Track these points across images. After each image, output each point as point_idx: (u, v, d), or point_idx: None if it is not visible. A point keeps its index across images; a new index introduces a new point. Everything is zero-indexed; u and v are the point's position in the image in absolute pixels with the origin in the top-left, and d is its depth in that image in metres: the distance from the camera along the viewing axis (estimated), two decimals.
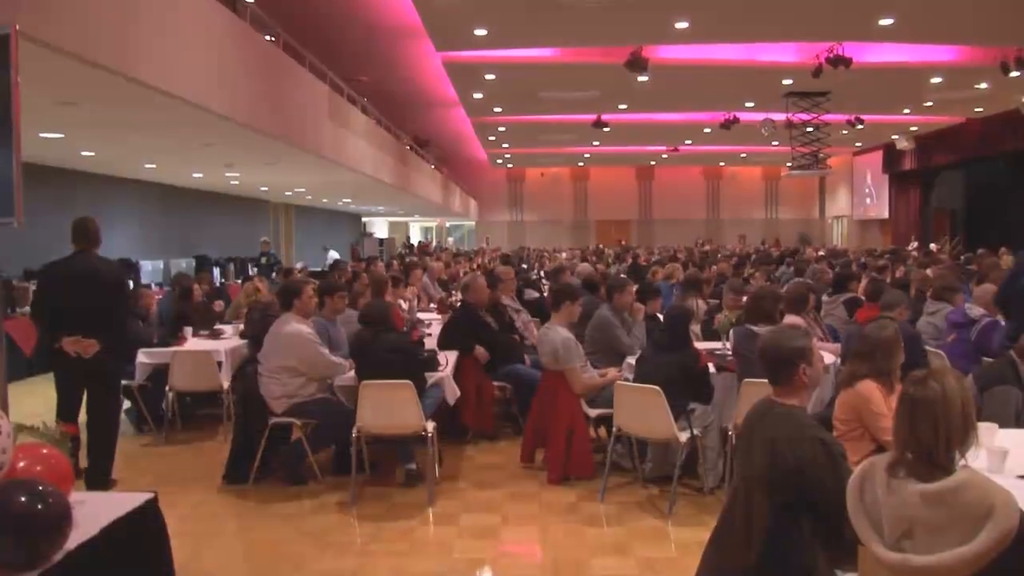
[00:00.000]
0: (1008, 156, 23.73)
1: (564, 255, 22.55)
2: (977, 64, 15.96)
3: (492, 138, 26.66)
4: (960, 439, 2.68)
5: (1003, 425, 4.19)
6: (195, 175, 16.57)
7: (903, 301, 6.13)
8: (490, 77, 16.49)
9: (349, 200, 26.38)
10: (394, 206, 30.55)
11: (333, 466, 6.54)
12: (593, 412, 6.34)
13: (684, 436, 5.48)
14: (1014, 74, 15.27)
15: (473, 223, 39.91)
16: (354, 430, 5.83)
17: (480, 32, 12.86)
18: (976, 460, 3.27)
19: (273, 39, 11.46)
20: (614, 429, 5.87)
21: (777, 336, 3.39)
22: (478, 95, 18.54)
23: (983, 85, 17.92)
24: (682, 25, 12.72)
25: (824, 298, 8.67)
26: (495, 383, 7.52)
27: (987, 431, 3.89)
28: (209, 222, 20.41)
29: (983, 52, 15.42)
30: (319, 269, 17.29)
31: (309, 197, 24.25)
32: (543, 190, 37.47)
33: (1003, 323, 6.62)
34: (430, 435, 5.88)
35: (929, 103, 20.51)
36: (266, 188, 20.56)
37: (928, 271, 10.80)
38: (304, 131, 12.26)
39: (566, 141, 27.31)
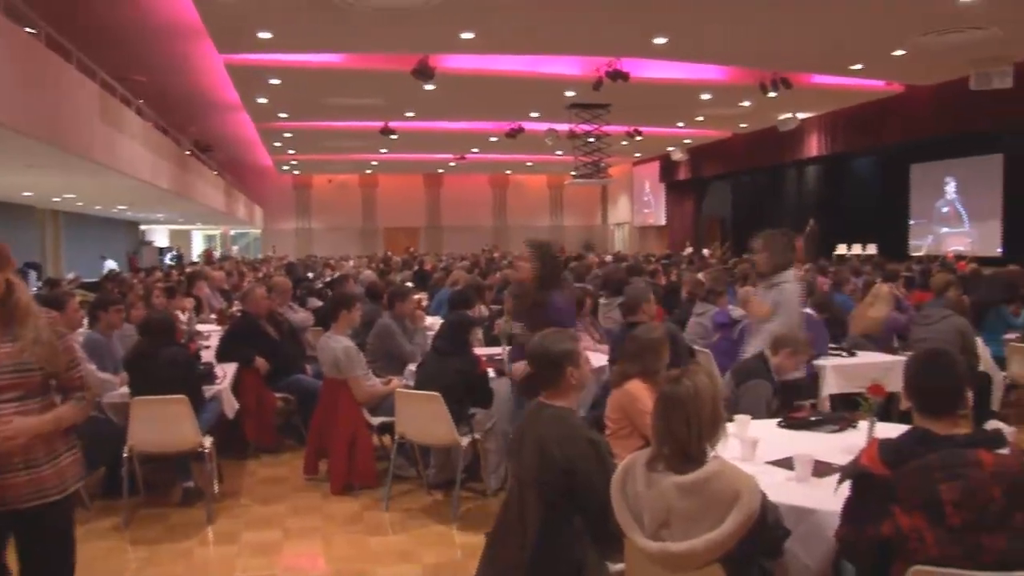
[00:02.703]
0: (768, 169, 25.63)
1: (351, 263, 22.32)
2: (741, 84, 17.12)
3: (278, 144, 26.01)
4: (710, 433, 2.87)
5: (756, 416, 4.52)
6: None
7: (646, 298, 6.37)
8: (275, 81, 16.09)
9: (125, 207, 25.01)
10: (174, 213, 29.22)
11: (103, 489, 6.19)
12: (376, 420, 6.32)
13: (466, 441, 5.57)
14: (772, 94, 16.54)
15: (259, 231, 38.77)
16: (125, 449, 5.55)
17: (264, 35, 12.51)
18: (729, 449, 3.52)
19: (35, 32, 10.69)
20: (396, 436, 5.89)
21: (544, 340, 3.51)
22: (262, 100, 18.04)
23: (746, 103, 19.22)
24: (468, 36, 12.89)
25: (601, 301, 9.02)
26: (277, 394, 7.35)
27: (741, 422, 4.19)
28: None
29: (746, 73, 16.59)
30: (94, 280, 16.30)
31: (80, 203, 22.80)
32: (331, 197, 36.90)
33: None
34: (208, 451, 5.69)
35: (700, 118, 21.76)
36: (30, 193, 19.14)
37: (700, 275, 11.46)
38: (71, 132, 11.49)
39: (354, 148, 27.03)
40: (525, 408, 3.69)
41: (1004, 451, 2.65)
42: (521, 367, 5.24)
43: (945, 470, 2.57)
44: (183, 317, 8.74)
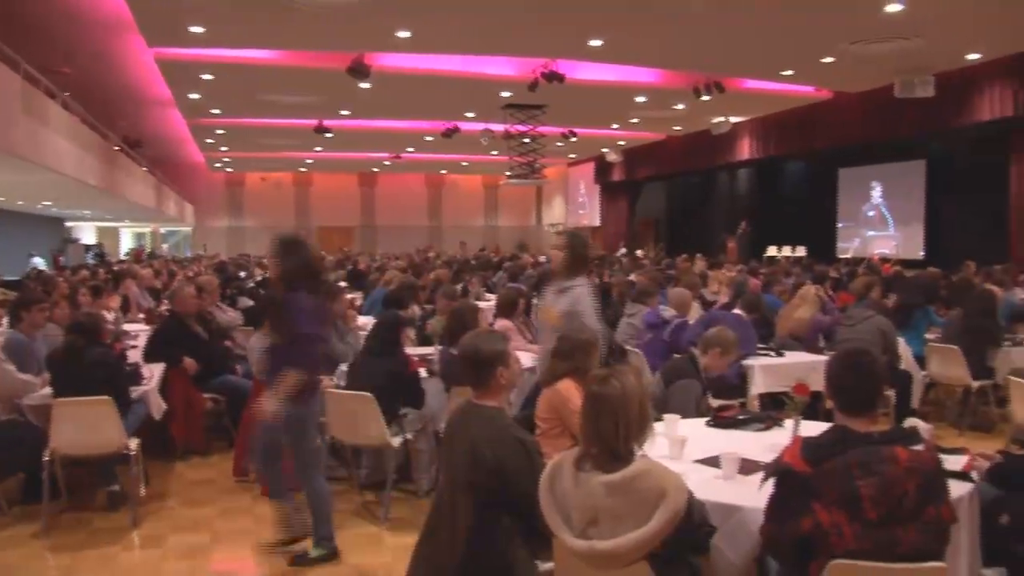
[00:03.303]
0: (701, 172, 25.99)
1: None
2: (675, 87, 17.33)
3: (210, 141, 25.58)
4: (638, 432, 2.90)
5: (685, 415, 4.58)
6: None
7: None
8: (207, 77, 15.80)
9: (50, 203, 24.39)
10: (102, 210, 28.57)
11: (22, 494, 6.02)
12: None
13: (397, 441, 5.55)
14: (705, 98, 16.77)
15: (190, 229, 38.11)
16: (46, 452, 5.42)
17: (196, 29, 12.28)
18: (658, 448, 3.57)
19: None
20: (328, 437, 5.84)
21: (475, 340, 3.52)
22: (194, 95, 17.72)
23: (680, 106, 19.43)
24: (404, 34, 12.83)
25: (534, 301, 9.06)
26: (206, 395, 7.23)
27: (670, 421, 4.24)
28: None
29: (680, 77, 16.79)
30: (16, 279, 15.85)
31: (2, 199, 22.17)
32: (264, 195, 36.41)
33: (691, 323, 7.24)
34: (133, 453, 5.58)
35: (635, 120, 21.94)
36: None
37: (633, 276, 11.58)
38: None
39: (288, 146, 26.71)
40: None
41: (919, 447, 2.74)
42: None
43: (863, 467, 2.64)
44: (110, 316, 8.56)
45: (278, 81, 16.50)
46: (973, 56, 14.75)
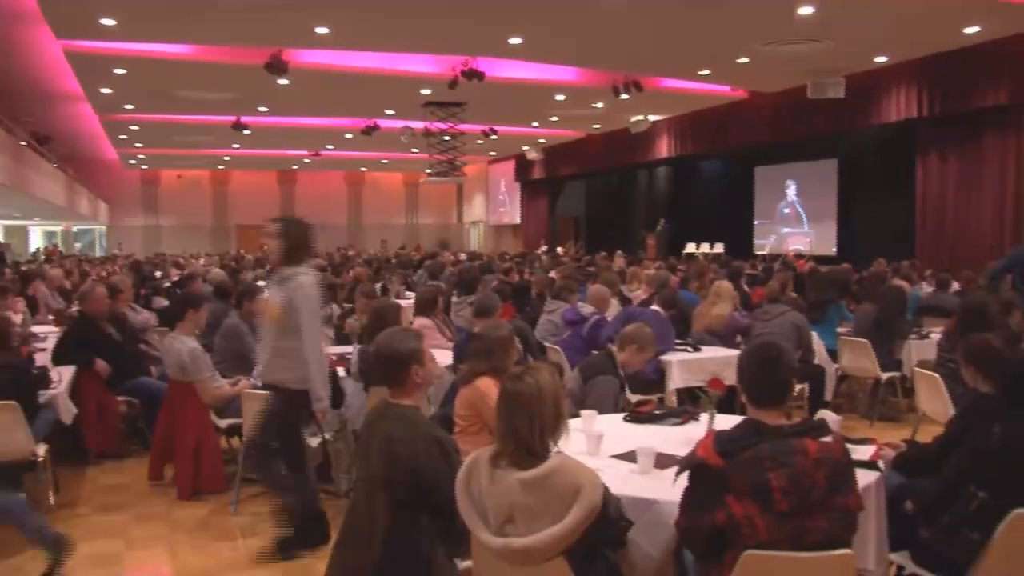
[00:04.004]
0: (620, 169, 26.27)
1: (202, 261, 21.65)
2: (594, 86, 17.48)
3: (124, 137, 24.96)
4: (553, 429, 2.91)
5: (603, 411, 4.62)
6: None
7: (498, 305, 6.47)
8: (120, 71, 15.40)
9: None
10: (9, 208, 27.62)
11: None
12: (223, 422, 6.16)
13: (315, 441, 5.49)
14: (624, 97, 16.97)
15: (104, 227, 37.13)
16: None
17: (107, 22, 11.93)
18: (576, 444, 3.60)
19: None
20: (245, 438, 5.75)
21: (389, 339, 3.51)
22: (107, 90, 17.24)
23: (599, 105, 19.63)
24: (323, 30, 12.70)
25: (453, 299, 9.06)
26: (119, 398, 7.05)
27: (588, 417, 4.28)
28: None
29: (599, 76, 16.96)
30: None
31: None
32: (181, 193, 35.66)
33: (609, 320, 7.31)
34: (42, 459, 5.42)
35: (554, 118, 22.09)
36: None
37: (553, 273, 11.65)
38: None
39: (205, 143, 26.23)
40: None
41: (827, 439, 2.81)
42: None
43: (774, 459, 2.70)
44: (16, 319, 8.28)
45: (194, 77, 16.19)
46: (881, 59, 15.21)
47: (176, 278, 14.05)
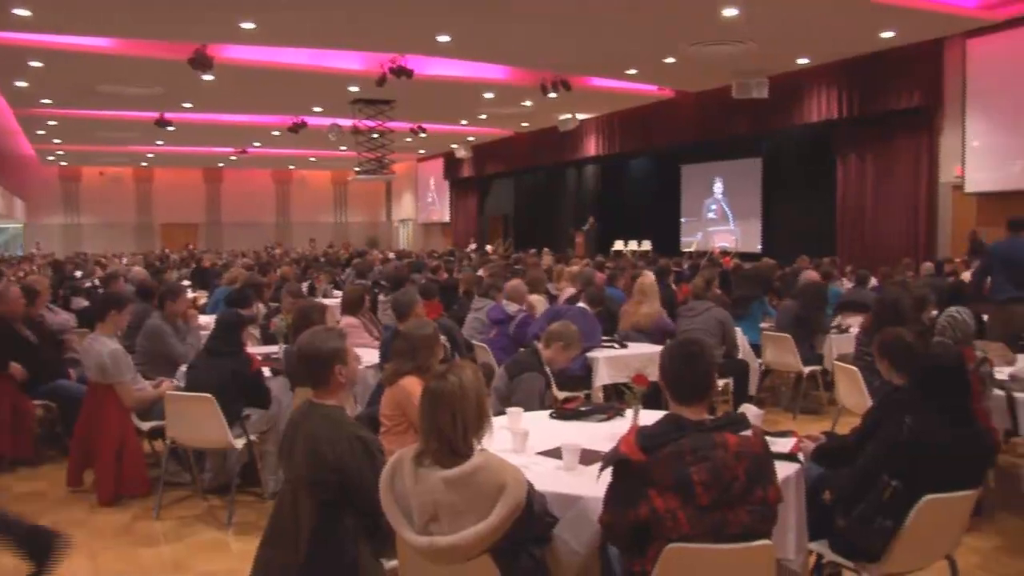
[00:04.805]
0: (548, 167, 26.41)
1: (125, 260, 21.18)
2: (523, 84, 17.55)
3: (41, 132, 24.24)
4: (476, 427, 2.92)
5: (529, 408, 4.64)
6: None
7: (415, 302, 6.43)
8: (36, 64, 14.94)
9: None
10: None
11: None
12: (146, 425, 6.03)
13: (241, 443, 5.42)
14: (552, 95, 17.06)
15: (21, 226, 36.04)
16: None
17: (21, 12, 11.53)
18: (501, 442, 3.61)
19: None
20: (168, 441, 5.65)
21: (312, 338, 3.48)
22: (21, 83, 16.73)
23: (528, 103, 19.71)
24: (248, 26, 12.51)
25: (381, 297, 9.02)
26: (36, 402, 6.85)
27: (514, 414, 4.29)
28: None
29: (527, 74, 17.03)
30: None
31: None
32: (103, 191, 34.79)
33: (535, 317, 7.35)
34: None
35: (483, 116, 22.11)
36: None
37: (481, 271, 11.67)
38: None
39: (127, 139, 25.64)
40: None
41: (747, 433, 2.87)
42: None
43: (695, 453, 2.75)
44: None
45: (116, 71, 15.81)
46: (802, 60, 15.56)
47: (100, 277, 13.74)
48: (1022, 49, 13.12)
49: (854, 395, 6.24)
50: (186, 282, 13.14)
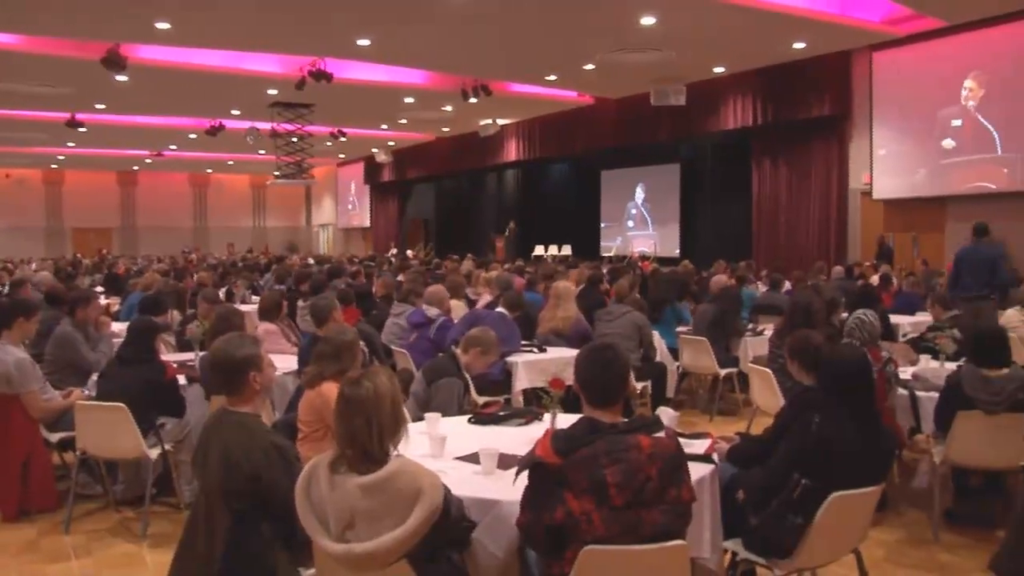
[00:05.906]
0: (469, 172, 26.48)
1: (34, 266, 20.52)
2: (443, 89, 17.56)
3: None
4: (391, 432, 2.91)
5: (447, 413, 4.64)
6: None
7: (332, 307, 6.39)
8: None
9: None
10: None
11: None
12: (55, 436, 5.86)
13: (155, 452, 5.31)
14: (472, 100, 17.10)
15: None
16: None
17: None
18: (419, 447, 3.61)
19: None
20: (79, 452, 5.50)
21: (225, 345, 3.43)
22: None
23: (448, 108, 19.74)
24: (163, 26, 12.28)
25: (299, 303, 8.92)
26: None
27: (432, 420, 4.29)
28: None
29: (447, 79, 17.05)
30: None
31: None
32: (9, 194, 33.62)
33: (455, 322, 7.35)
34: None
35: (403, 121, 22.07)
36: None
37: (401, 276, 11.61)
38: None
39: (36, 140, 24.87)
40: None
41: (660, 434, 2.92)
42: None
43: (609, 455, 2.79)
44: None
45: (22, 69, 15.34)
46: (719, 69, 15.90)
47: (7, 285, 13.29)
48: (925, 62, 13.64)
49: (768, 396, 6.38)
50: (99, 288, 12.80)
